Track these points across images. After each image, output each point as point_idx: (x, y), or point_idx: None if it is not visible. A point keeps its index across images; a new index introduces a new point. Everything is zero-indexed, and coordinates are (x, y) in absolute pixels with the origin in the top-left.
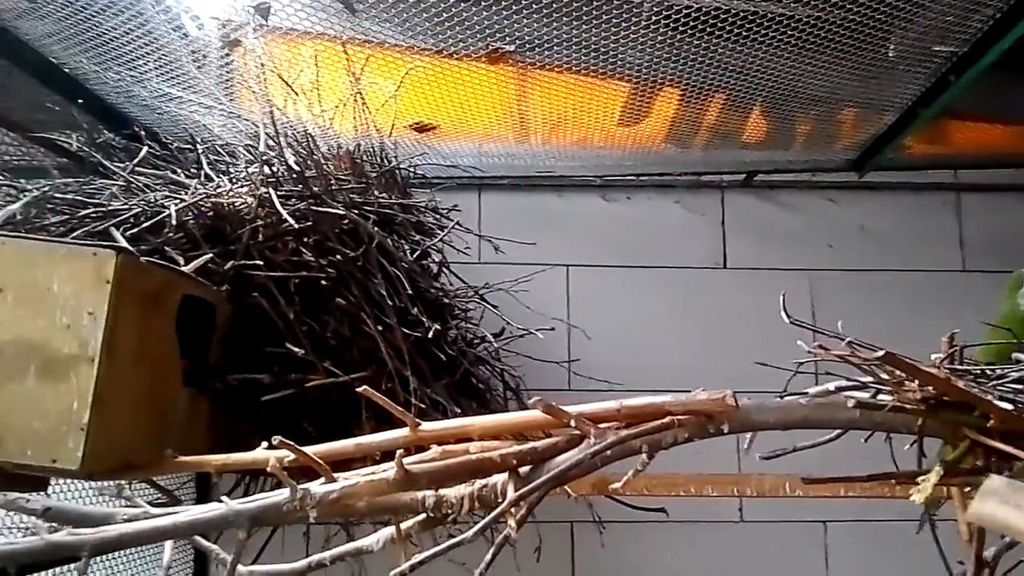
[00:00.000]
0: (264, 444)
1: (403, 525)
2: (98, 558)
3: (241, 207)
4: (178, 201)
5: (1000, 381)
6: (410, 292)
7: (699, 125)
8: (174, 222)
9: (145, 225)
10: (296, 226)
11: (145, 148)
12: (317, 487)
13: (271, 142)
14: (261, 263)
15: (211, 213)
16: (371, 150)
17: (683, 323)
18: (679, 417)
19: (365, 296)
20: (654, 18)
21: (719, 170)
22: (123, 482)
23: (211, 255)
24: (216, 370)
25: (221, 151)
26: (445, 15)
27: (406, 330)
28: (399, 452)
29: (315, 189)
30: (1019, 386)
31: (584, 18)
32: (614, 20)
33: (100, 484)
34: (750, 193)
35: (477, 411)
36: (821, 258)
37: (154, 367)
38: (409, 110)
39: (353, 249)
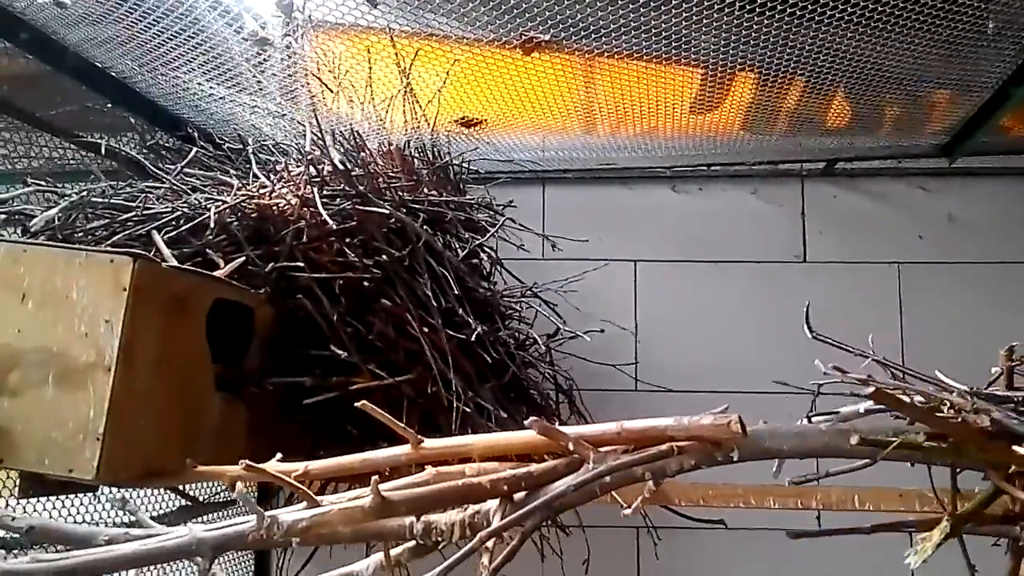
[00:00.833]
0: (278, 456)
1: (392, 552)
2: None
3: (285, 208)
4: (220, 203)
5: None
6: (457, 292)
7: (777, 111)
8: (212, 224)
9: (185, 228)
10: (336, 227)
11: (195, 149)
12: (286, 515)
13: (317, 140)
14: (304, 264)
15: (255, 214)
16: (422, 146)
17: (759, 321)
18: (681, 444)
19: (411, 297)
20: None
21: (797, 158)
22: (126, 495)
23: (246, 257)
24: (253, 374)
25: (273, 151)
26: (504, 4)
27: (451, 331)
28: (374, 479)
29: (361, 188)
30: None
31: (652, 2)
32: (684, 3)
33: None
34: (831, 182)
35: (527, 415)
36: (909, 249)
37: (180, 373)
38: (467, 103)
39: (400, 249)
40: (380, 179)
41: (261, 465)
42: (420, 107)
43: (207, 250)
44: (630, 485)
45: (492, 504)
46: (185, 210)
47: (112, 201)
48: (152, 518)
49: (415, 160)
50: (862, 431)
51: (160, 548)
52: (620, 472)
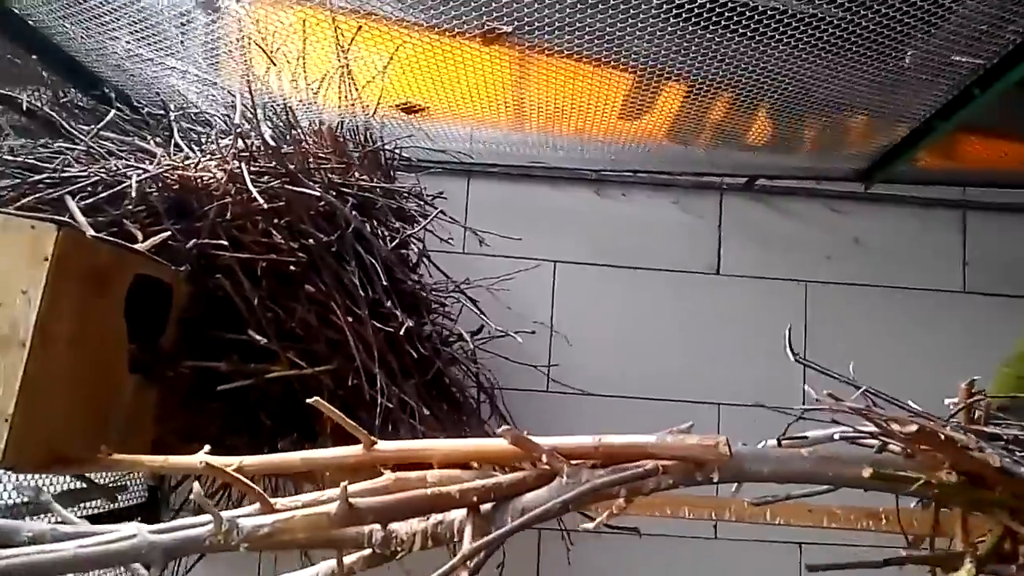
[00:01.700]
0: (207, 448)
1: (346, 559)
2: None
3: (210, 181)
4: (141, 171)
5: None
6: (385, 283)
7: (703, 123)
8: (134, 194)
9: (103, 195)
10: (267, 205)
11: (112, 111)
12: (246, 519)
13: (248, 113)
14: (227, 243)
15: (177, 186)
16: (355, 129)
17: (672, 329)
18: (664, 463)
19: (337, 284)
20: (665, 6)
21: (723, 171)
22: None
23: (172, 231)
24: (169, 356)
25: (195, 120)
26: None
27: (378, 323)
28: (343, 485)
29: (291, 167)
30: None
31: (589, 2)
32: (622, 5)
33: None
34: (750, 197)
35: (448, 414)
36: (818, 269)
37: (96, 353)
38: (398, 89)
39: (328, 233)
40: (310, 159)
41: (247, 462)
42: (356, 88)
43: (124, 221)
44: (600, 501)
45: (457, 514)
46: (103, 176)
47: (26, 160)
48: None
49: (347, 142)
50: (873, 462)
51: (104, 551)
52: (599, 489)
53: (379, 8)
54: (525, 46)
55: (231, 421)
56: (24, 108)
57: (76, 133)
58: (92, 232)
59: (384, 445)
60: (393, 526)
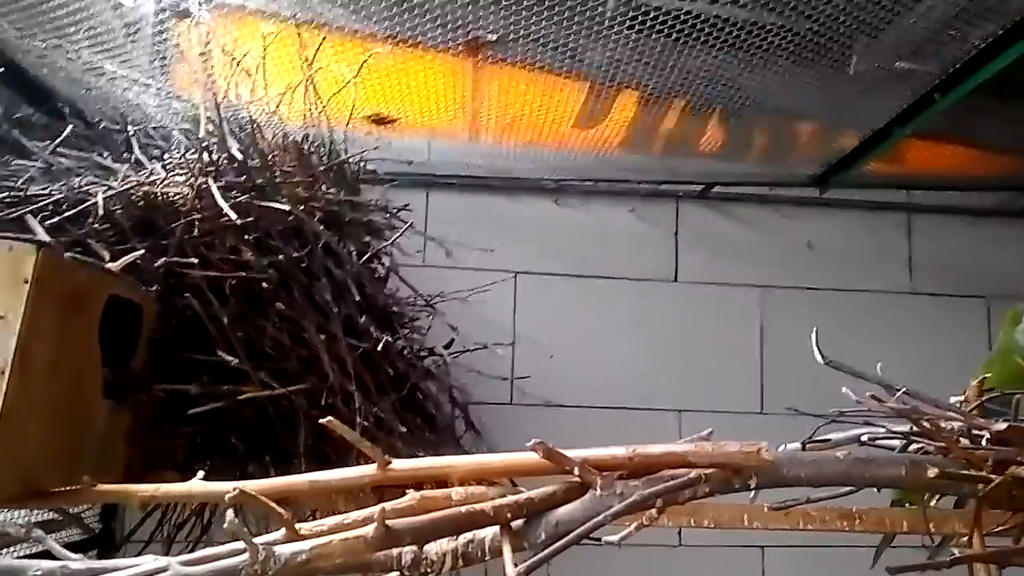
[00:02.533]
0: (201, 475)
1: None
2: None
3: (176, 198)
4: (106, 188)
5: None
6: (357, 299)
7: (657, 131)
8: (101, 211)
9: (67, 214)
10: (237, 221)
11: (70, 127)
12: (283, 547)
13: (212, 127)
14: (195, 261)
15: (142, 203)
16: (320, 141)
17: (632, 337)
18: (705, 472)
19: (308, 302)
20: (618, 16)
21: (680, 179)
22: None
23: (143, 251)
24: (141, 380)
25: (153, 135)
26: (396, 2)
27: (352, 341)
28: (381, 509)
29: (259, 181)
30: None
31: (544, 12)
32: (576, 16)
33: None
34: (705, 205)
35: (422, 429)
36: (772, 274)
37: (73, 378)
38: (359, 100)
39: (297, 249)
40: (277, 173)
41: (249, 487)
42: (320, 100)
43: (88, 240)
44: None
45: (488, 532)
46: (67, 193)
47: None
48: None
49: (312, 155)
50: (938, 464)
51: None
52: (647, 500)
53: (342, 21)
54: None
55: (200, 445)
56: None
57: (32, 149)
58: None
59: (400, 464)
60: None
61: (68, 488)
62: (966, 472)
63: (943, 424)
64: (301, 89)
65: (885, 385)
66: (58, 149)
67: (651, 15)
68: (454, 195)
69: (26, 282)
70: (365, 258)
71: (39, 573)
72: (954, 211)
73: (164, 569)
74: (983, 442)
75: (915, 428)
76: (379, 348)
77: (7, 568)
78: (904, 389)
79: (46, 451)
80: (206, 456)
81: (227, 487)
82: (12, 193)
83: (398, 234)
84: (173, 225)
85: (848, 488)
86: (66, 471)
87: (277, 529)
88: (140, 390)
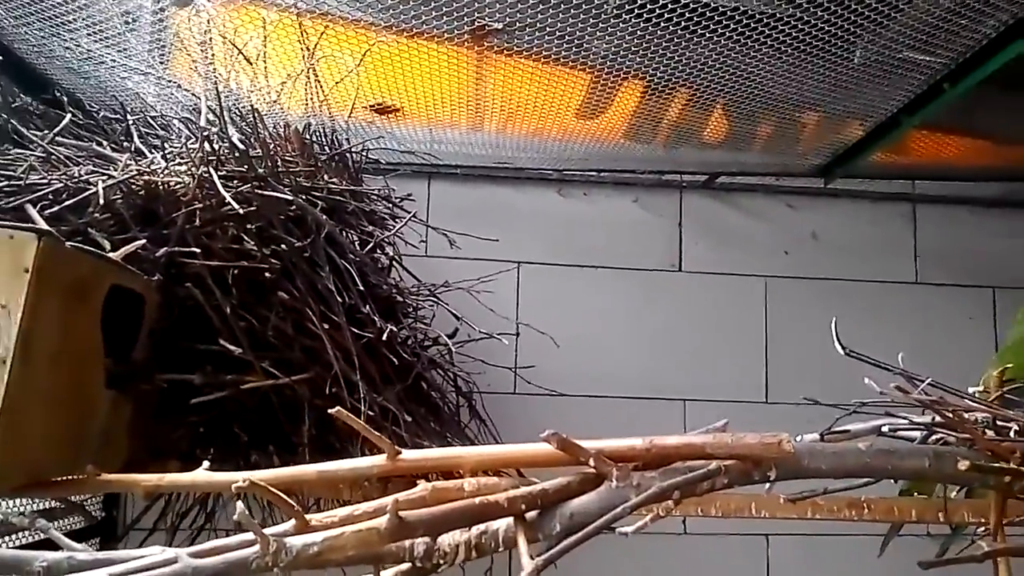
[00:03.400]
0: (206, 464)
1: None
2: None
3: (177, 187)
4: (106, 177)
5: None
6: (361, 288)
7: (660, 121)
8: (102, 201)
9: (67, 203)
10: (239, 210)
11: (68, 115)
12: (295, 539)
13: (213, 116)
14: (197, 250)
15: (142, 192)
16: (321, 131)
17: (636, 327)
18: (725, 463)
19: (311, 291)
20: (623, 5)
21: (683, 169)
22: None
23: (144, 240)
24: (143, 370)
25: (153, 123)
26: None
27: (356, 330)
28: (394, 500)
29: (260, 171)
30: None
31: (547, 1)
32: (580, 4)
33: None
34: (709, 195)
35: (429, 419)
36: (776, 264)
37: (75, 368)
38: (362, 89)
39: (299, 239)
40: (279, 162)
41: (257, 476)
42: (322, 89)
43: (89, 229)
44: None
45: (501, 524)
46: (67, 183)
47: None
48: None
49: (313, 144)
50: (968, 456)
51: None
52: (667, 491)
53: (342, 8)
54: (513, 47)
55: (203, 434)
56: None
57: (32, 138)
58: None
59: (409, 455)
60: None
61: (71, 477)
62: (999, 464)
63: (966, 415)
64: (303, 78)
65: (909, 376)
66: (57, 138)
67: (656, 4)
68: (456, 185)
69: (27, 271)
70: (368, 248)
71: (45, 564)
72: (959, 201)
73: (173, 560)
74: (1011, 434)
75: (937, 419)
76: (383, 337)
77: (13, 559)
78: (929, 380)
79: (49, 441)
80: (209, 445)
81: (234, 477)
82: (11, 182)
83: (402, 224)
84: (174, 214)
85: (865, 479)
86: (69, 460)
87: (285, 520)
88: (142, 380)
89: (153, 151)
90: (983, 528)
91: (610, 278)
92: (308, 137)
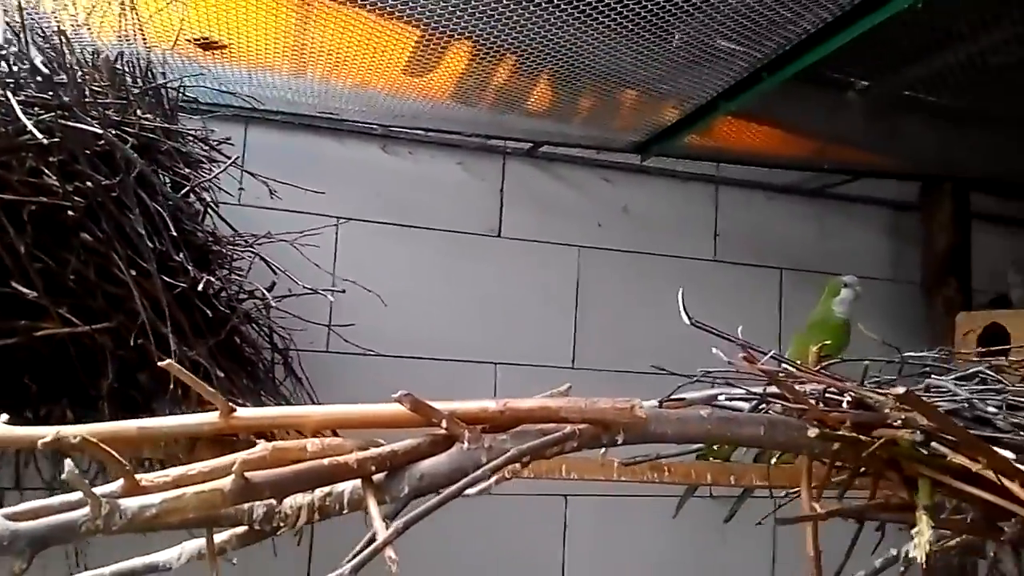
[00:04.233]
0: (4, 418)
1: (217, 538)
2: None
3: None
4: None
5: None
6: (174, 234)
7: (487, 86)
8: None
9: None
10: (42, 140)
11: None
12: (130, 501)
13: (11, 34)
14: None
15: None
16: (135, 62)
17: (454, 290)
18: (579, 427)
19: (118, 234)
20: None
21: (508, 135)
22: None
23: None
24: None
25: None
26: None
27: (167, 278)
28: (239, 459)
29: (66, 99)
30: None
31: None
32: None
33: None
34: (531, 163)
35: (243, 375)
36: (590, 235)
37: None
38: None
39: (107, 176)
40: (86, 92)
41: (67, 432)
42: (138, 17)
43: None
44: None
45: (347, 485)
46: None
47: None
48: None
49: (126, 76)
50: (769, 422)
51: None
52: (526, 454)
53: None
54: None
55: None
56: None
57: None
58: None
59: (245, 413)
60: (275, 500)
61: None
62: (842, 433)
63: (798, 387)
64: (116, 3)
65: (750, 348)
66: None
67: None
68: (276, 132)
69: None
70: (184, 192)
71: None
72: (757, 186)
73: None
74: (843, 405)
75: (771, 389)
76: (198, 288)
77: None
78: (772, 353)
79: None
80: None
81: (41, 432)
82: None
83: (222, 168)
84: None
85: (697, 446)
86: None
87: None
88: None
89: None
90: (786, 493)
91: (430, 239)
92: (120, 68)
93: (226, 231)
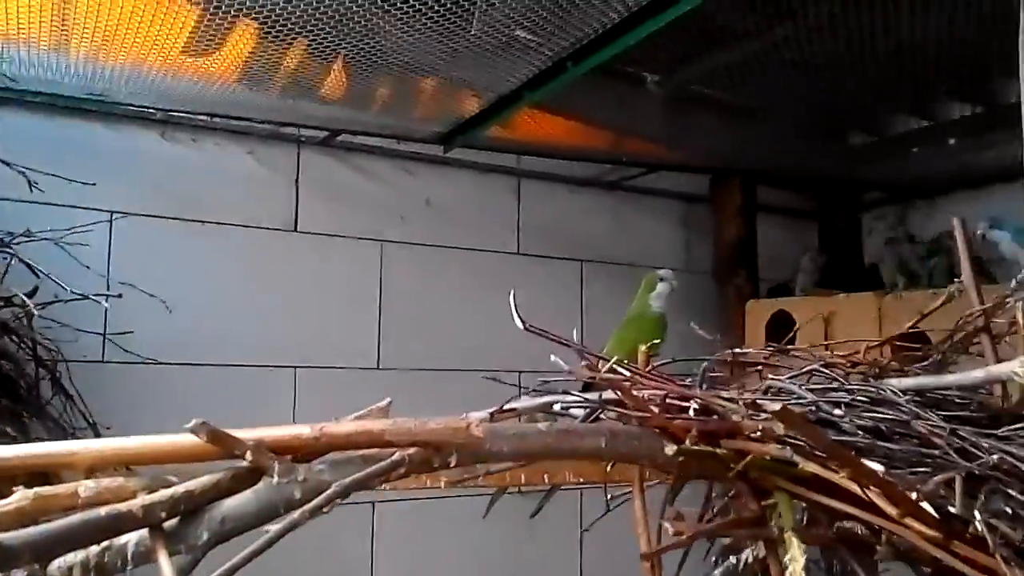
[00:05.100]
0: None
1: None
2: None
3: None
4: None
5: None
6: None
7: (277, 69)
8: None
9: None
10: None
11: None
12: None
13: None
14: None
15: None
16: None
17: (247, 289)
18: (409, 452)
19: None
20: None
21: (302, 123)
22: None
23: None
24: None
25: None
26: None
27: None
28: None
29: None
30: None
31: None
32: None
33: None
34: (328, 153)
35: None
36: (392, 229)
37: None
38: None
39: None
40: None
41: None
42: None
43: None
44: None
45: (130, 537)
46: None
47: None
48: None
49: None
50: (611, 433)
51: None
52: (349, 489)
53: None
54: None
55: None
56: None
57: None
58: None
59: (6, 451)
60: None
61: None
62: (701, 448)
63: (636, 393)
64: None
65: (587, 353)
66: None
67: None
68: (35, 116)
69: None
70: None
71: None
72: (558, 179)
73: None
74: (691, 412)
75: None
76: None
77: None
78: (615, 359)
79: None
80: None
81: None
82: None
83: None
84: None
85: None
86: None
87: None
88: None
89: None
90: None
91: (218, 235)
92: None
93: None
